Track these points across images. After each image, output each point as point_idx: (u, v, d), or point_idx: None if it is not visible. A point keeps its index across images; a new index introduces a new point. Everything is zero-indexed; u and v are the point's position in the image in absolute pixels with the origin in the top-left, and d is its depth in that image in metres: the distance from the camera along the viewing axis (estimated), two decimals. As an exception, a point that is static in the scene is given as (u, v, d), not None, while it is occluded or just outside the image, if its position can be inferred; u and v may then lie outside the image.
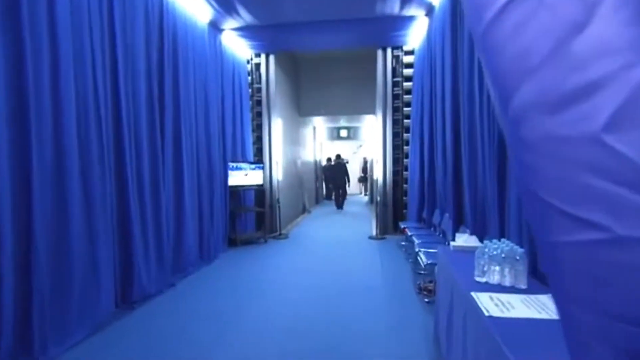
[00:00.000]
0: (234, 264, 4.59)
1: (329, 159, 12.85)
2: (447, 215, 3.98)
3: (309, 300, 3.36)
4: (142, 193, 3.25)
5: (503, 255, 1.85)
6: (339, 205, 10.59)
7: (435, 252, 3.41)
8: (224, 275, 4.15)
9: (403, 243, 5.38)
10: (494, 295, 1.71)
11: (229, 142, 5.52)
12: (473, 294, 1.72)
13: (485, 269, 1.90)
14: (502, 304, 1.60)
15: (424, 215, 5.16)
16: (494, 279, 1.86)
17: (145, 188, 3.29)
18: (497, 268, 1.86)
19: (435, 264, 2.97)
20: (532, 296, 1.64)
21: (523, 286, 1.75)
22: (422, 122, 5.28)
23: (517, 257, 1.81)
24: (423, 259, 3.37)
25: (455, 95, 3.47)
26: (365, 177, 13.21)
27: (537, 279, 1.85)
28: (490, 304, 1.62)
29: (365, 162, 13.81)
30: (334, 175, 10.61)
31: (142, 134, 3.28)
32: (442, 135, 4.05)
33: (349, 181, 11.19)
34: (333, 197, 11.72)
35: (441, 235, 4.28)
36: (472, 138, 3.03)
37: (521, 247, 1.96)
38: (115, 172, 2.93)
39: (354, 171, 13.80)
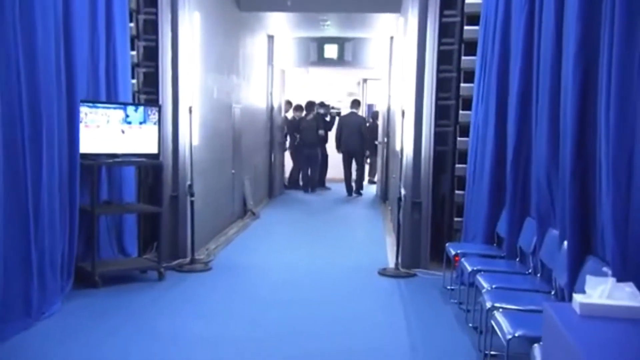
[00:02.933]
0: (84, 335, 4.40)
1: (299, 107, 12.81)
2: (554, 232, 3.93)
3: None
4: None
5: None
6: (356, 189, 12.54)
7: (530, 314, 3.38)
8: None
9: (452, 287, 5.38)
10: None
11: (82, 60, 5.28)
12: None
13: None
14: None
15: (501, 230, 5.15)
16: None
17: None
18: None
19: (535, 340, 2.87)
20: None
21: None
22: (504, 34, 5.16)
23: None
24: (504, 325, 3.27)
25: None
26: (358, 147, 13.09)
27: None
28: None
29: (374, 117, 13.69)
30: (343, 136, 12.25)
31: None
32: (553, 62, 3.88)
33: (367, 149, 12.69)
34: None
35: (540, 276, 4.24)
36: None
37: None
38: None
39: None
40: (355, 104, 12.86)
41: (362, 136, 12.36)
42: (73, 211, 5.14)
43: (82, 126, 5.27)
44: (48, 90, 4.67)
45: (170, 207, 6.36)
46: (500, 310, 3.48)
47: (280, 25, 11.06)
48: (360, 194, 12.58)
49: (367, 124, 13.53)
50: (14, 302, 4.27)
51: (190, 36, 6.46)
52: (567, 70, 3.58)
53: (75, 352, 4.00)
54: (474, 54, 5.94)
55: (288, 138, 13.14)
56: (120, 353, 4.04)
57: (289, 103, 13.40)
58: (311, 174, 12.76)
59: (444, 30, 6.27)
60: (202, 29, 6.89)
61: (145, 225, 6.28)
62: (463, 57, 6.20)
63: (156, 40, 6.26)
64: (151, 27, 6.29)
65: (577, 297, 2.45)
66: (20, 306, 4.34)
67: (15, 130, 4.26)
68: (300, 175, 13.06)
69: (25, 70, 4.37)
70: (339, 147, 12.57)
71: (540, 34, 4.22)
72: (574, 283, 3.32)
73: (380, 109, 12.96)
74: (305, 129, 12.58)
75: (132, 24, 6.12)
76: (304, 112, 12.85)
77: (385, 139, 11.39)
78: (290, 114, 13.33)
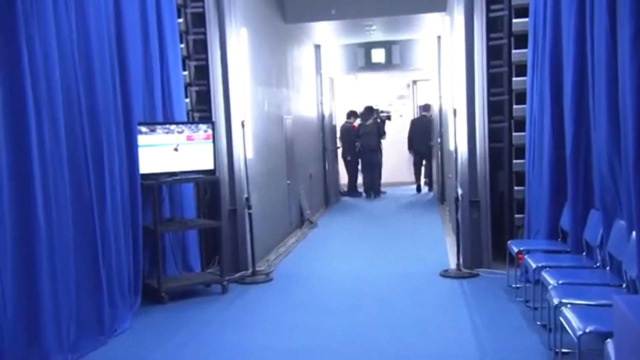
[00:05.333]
0: (156, 350, 4.49)
1: (351, 114, 12.89)
2: (621, 223, 3.82)
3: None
4: None
5: None
6: (418, 188, 13.52)
7: (601, 308, 3.32)
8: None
9: (517, 285, 5.28)
10: None
11: (137, 83, 5.45)
12: None
13: None
14: None
15: (564, 224, 5.04)
16: None
17: None
18: None
19: (608, 335, 2.80)
20: None
21: None
22: (555, 25, 5.06)
23: None
24: (574, 322, 3.21)
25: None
26: (428, 149, 13.12)
27: None
28: None
29: (427, 118, 13.57)
30: (415, 138, 13.06)
31: None
32: (608, 50, 3.78)
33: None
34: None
35: (609, 269, 4.13)
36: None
37: None
38: None
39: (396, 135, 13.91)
40: (426, 108, 13.29)
41: (431, 138, 12.68)
42: (137, 230, 5.30)
43: (142, 149, 5.42)
44: (107, 115, 4.85)
45: (229, 221, 6.47)
46: (569, 306, 3.42)
47: (326, 34, 11.12)
48: (427, 191, 13.34)
49: (416, 118, 13.77)
50: (87, 321, 4.44)
51: (238, 52, 6.58)
52: (624, 57, 3.49)
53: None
54: (525, 47, 5.83)
55: (340, 145, 13.20)
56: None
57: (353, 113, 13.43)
58: (373, 179, 12.79)
59: (492, 25, 6.19)
60: (250, 44, 7.01)
61: (206, 240, 6.42)
62: (513, 51, 6.09)
63: (206, 59, 6.39)
64: (201, 47, 6.43)
65: (650, 289, 2.38)
66: (93, 324, 4.50)
67: (79, 156, 4.45)
68: (362, 181, 13.10)
69: (85, 97, 4.56)
70: (410, 148, 13.40)
71: (592, 23, 4.12)
72: (645, 275, 3.23)
73: (433, 108, 12.90)
74: (366, 135, 12.67)
75: (182, 45, 6.29)
76: (358, 119, 12.92)
77: (439, 140, 11.32)
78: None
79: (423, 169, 13.62)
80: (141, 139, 5.46)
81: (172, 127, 5.77)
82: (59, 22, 4.27)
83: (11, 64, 3.82)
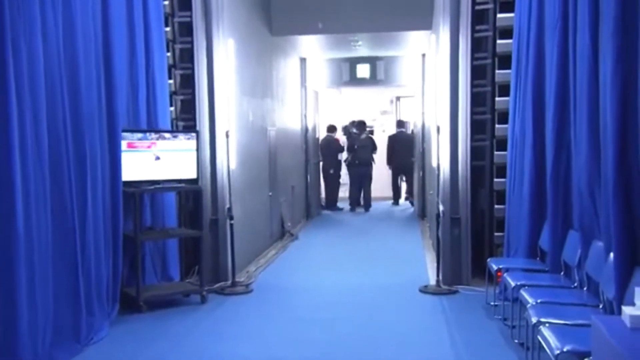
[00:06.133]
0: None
1: (332, 128, 12.98)
2: (599, 244, 3.86)
3: None
4: None
5: None
6: (395, 202, 13.59)
7: (578, 328, 3.34)
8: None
9: (496, 303, 5.31)
10: None
11: (122, 90, 5.43)
12: None
13: None
14: None
15: (543, 243, 5.08)
16: None
17: None
18: None
19: (585, 355, 2.86)
20: None
21: None
22: (539, 47, 5.14)
23: None
24: (552, 341, 3.22)
25: None
26: (409, 164, 13.20)
27: None
28: None
29: (405, 133, 13.69)
30: (395, 153, 13.14)
31: None
32: (590, 73, 3.85)
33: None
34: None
35: (586, 289, 4.17)
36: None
37: None
38: None
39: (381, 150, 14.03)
40: (401, 124, 13.55)
41: (411, 153, 12.80)
42: (117, 239, 5.26)
43: (125, 155, 5.39)
44: (91, 121, 4.82)
45: (210, 231, 6.44)
46: (547, 325, 3.43)
47: (312, 47, 11.16)
48: (412, 204, 13.13)
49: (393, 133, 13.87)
50: (63, 328, 4.38)
51: (225, 63, 6.59)
52: (605, 80, 3.55)
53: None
54: (508, 68, 5.91)
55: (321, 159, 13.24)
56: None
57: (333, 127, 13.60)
58: (365, 192, 12.90)
59: (477, 45, 6.27)
60: (236, 55, 7.02)
61: (186, 250, 6.37)
62: (497, 71, 6.17)
63: (192, 68, 6.40)
64: (187, 56, 6.43)
65: (627, 310, 2.41)
66: (69, 332, 4.45)
67: (61, 162, 4.41)
68: (348, 194, 13.18)
69: (69, 103, 4.53)
70: (390, 163, 13.43)
71: (575, 47, 4.19)
72: (623, 295, 3.26)
73: (415, 125, 12.97)
74: (361, 148, 12.86)
75: (169, 54, 6.28)
76: (340, 132, 13.00)
77: (421, 155, 11.39)
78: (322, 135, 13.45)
79: (404, 184, 13.77)
80: (124, 146, 5.43)
81: (157, 136, 5.73)
82: (46, 26, 4.25)
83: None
